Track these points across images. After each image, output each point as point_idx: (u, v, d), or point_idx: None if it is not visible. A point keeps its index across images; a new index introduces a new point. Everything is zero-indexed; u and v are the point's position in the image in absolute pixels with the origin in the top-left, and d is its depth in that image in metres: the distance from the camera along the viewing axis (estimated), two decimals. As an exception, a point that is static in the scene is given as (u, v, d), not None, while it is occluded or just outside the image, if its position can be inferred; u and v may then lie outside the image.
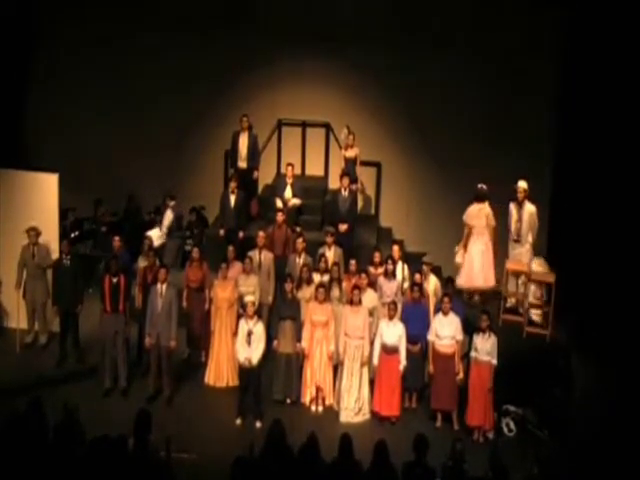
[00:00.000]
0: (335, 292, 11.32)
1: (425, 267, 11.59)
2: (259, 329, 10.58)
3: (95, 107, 15.44)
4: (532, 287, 11.67)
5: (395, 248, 12.01)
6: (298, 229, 13.12)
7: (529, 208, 11.81)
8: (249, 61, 15.01)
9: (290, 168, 13.58)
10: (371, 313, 11.09)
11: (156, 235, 13.08)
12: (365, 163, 14.02)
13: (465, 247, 11.97)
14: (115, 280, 11.01)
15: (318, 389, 10.99)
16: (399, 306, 10.96)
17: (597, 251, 13.03)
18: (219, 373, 11.40)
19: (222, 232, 13.07)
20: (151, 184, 15.16)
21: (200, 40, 14.99)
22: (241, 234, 12.94)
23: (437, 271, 12.41)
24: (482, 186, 11.99)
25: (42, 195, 12.29)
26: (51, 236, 12.21)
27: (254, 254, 11.95)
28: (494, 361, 10.38)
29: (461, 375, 10.66)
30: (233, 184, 13.05)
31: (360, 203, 13.88)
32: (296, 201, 13.53)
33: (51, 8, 15.44)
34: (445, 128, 14.85)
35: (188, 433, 9.98)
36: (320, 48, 14.81)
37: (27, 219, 12.05)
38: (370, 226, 14.21)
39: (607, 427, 10.57)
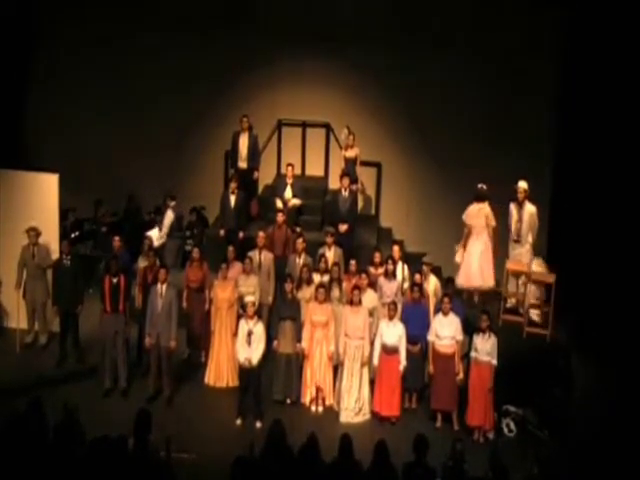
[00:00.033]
0: (335, 292, 11.32)
1: (425, 267, 11.59)
2: (259, 329, 10.58)
3: (95, 107, 15.45)
4: (531, 287, 11.68)
5: (395, 248, 12.01)
6: (298, 229, 13.12)
7: (529, 208, 11.81)
8: (249, 61, 15.01)
9: (290, 168, 13.58)
10: (371, 313, 11.09)
11: (156, 235, 13.08)
12: (365, 163, 14.02)
13: (465, 247, 11.98)
14: (115, 280, 11.01)
15: (318, 389, 10.99)
16: (399, 306, 10.96)
17: (597, 251, 13.03)
18: (219, 373, 11.40)
19: (222, 232, 13.07)
20: (151, 184, 15.16)
21: (200, 40, 15.00)
22: (241, 234, 12.94)
23: (437, 271, 12.41)
24: (482, 186, 11.99)
25: (42, 195, 12.29)
26: (51, 236, 12.21)
27: (254, 254, 11.95)
28: (494, 361, 10.38)
29: (461, 375, 10.65)
30: (233, 184, 13.05)
31: (360, 203, 13.88)
32: (296, 201, 13.53)
33: (51, 8, 15.45)
34: (445, 128, 14.86)
35: (188, 433, 9.98)
36: (320, 48, 14.82)
37: (27, 219, 12.05)
38: (370, 226, 14.21)
39: (607, 427, 10.57)
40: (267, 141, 14.51)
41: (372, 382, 10.89)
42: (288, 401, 11.06)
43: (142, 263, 11.72)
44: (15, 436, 7.64)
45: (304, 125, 14.68)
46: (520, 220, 11.81)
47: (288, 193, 13.51)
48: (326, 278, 11.46)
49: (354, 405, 10.78)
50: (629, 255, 12.80)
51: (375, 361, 10.76)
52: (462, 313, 10.93)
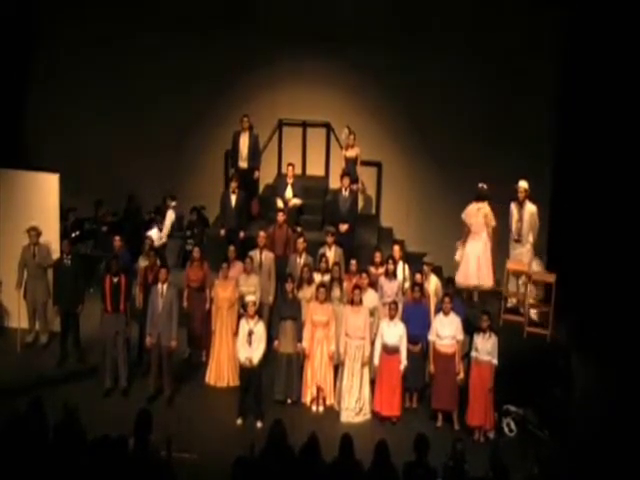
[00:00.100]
0: (336, 292, 11.32)
1: (426, 267, 11.58)
2: (260, 329, 10.58)
3: (95, 107, 15.45)
4: (530, 287, 11.69)
5: (396, 248, 12.01)
6: (299, 229, 13.13)
7: (530, 208, 11.82)
8: (249, 61, 15.01)
9: (291, 168, 13.58)
10: (372, 313, 11.09)
11: (157, 235, 13.07)
12: (365, 163, 14.03)
13: (464, 245, 12.01)
14: (116, 280, 11.01)
15: (319, 389, 10.99)
16: (400, 306, 10.96)
17: (597, 251, 13.02)
18: (220, 373, 11.40)
19: (223, 232, 13.07)
20: (151, 184, 15.16)
21: (200, 40, 15.00)
22: (242, 234, 12.95)
23: (438, 271, 12.41)
24: (483, 186, 12.01)
25: (42, 195, 12.29)
26: (52, 236, 12.21)
27: (255, 254, 11.95)
28: (494, 361, 10.38)
29: (462, 375, 10.66)
30: (234, 184, 13.05)
31: (361, 203, 13.91)
32: (297, 201, 13.53)
33: (51, 8, 15.45)
34: (445, 128, 14.85)
35: (189, 433, 9.98)
36: (320, 48, 14.82)
37: (27, 219, 12.05)
38: (371, 226, 14.21)
39: (607, 427, 10.56)
40: (268, 141, 14.51)
41: (373, 382, 10.89)
42: (289, 401, 11.06)
43: (143, 263, 11.73)
44: (15, 436, 7.64)
45: (304, 125, 14.69)
46: (521, 220, 11.82)
47: (289, 193, 13.52)
48: (327, 278, 11.46)
49: (355, 405, 10.78)
50: (629, 255, 12.80)
51: (376, 361, 10.76)
52: (463, 313, 10.93)
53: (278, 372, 11.04)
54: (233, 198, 12.99)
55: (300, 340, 10.96)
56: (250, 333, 10.50)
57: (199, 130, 15.42)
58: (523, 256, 11.87)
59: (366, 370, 10.83)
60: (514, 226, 11.90)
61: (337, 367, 11.07)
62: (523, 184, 11.85)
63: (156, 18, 15.16)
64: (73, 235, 14.03)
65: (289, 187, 13.54)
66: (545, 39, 14.32)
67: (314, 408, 11.00)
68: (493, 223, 11.96)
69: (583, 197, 13.51)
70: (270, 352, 10.99)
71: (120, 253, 11.80)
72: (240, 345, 10.56)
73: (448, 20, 14.60)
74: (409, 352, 10.75)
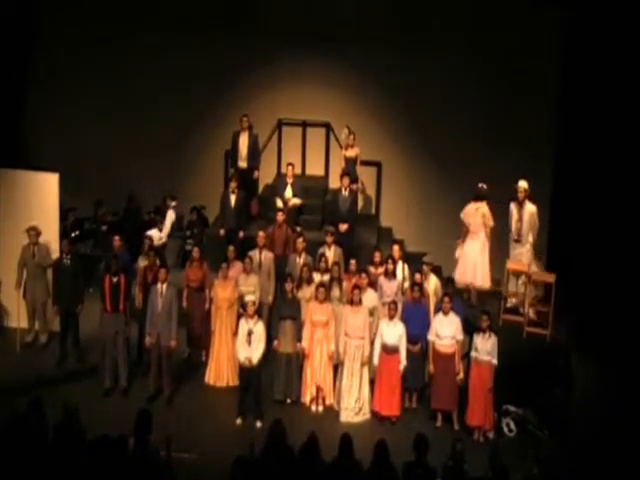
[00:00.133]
0: (335, 292, 11.32)
1: (425, 267, 11.59)
2: (259, 329, 10.58)
3: (95, 107, 15.45)
4: (530, 287, 11.70)
5: (395, 248, 12.01)
6: (298, 229, 13.13)
7: (530, 208, 11.82)
8: (249, 61, 15.01)
9: (290, 168, 13.58)
10: (371, 313, 11.09)
11: (157, 235, 13.07)
12: (365, 163, 14.03)
13: (463, 244, 12.04)
14: (115, 280, 11.01)
15: (318, 389, 10.99)
16: (399, 306, 10.96)
17: (597, 251, 13.02)
18: (219, 373, 11.40)
19: (222, 232, 13.07)
20: (151, 184, 15.16)
21: (200, 40, 14.99)
22: (241, 234, 12.95)
23: (437, 271, 12.42)
24: (482, 185, 12.02)
25: (42, 195, 12.30)
26: (51, 236, 12.22)
27: (254, 254, 11.95)
28: (494, 361, 10.38)
29: (461, 375, 10.66)
30: (233, 184, 13.05)
31: (360, 203, 13.90)
32: (296, 201, 13.53)
33: (51, 8, 15.45)
34: (445, 128, 14.85)
35: (188, 433, 9.97)
36: (320, 48, 14.81)
37: (27, 219, 12.06)
38: (370, 226, 14.21)
39: (607, 427, 10.56)
40: (267, 140, 14.51)
41: (372, 382, 10.89)
42: (288, 401, 11.06)
43: (142, 263, 11.73)
44: (15, 436, 7.64)
45: (304, 125, 14.68)
46: (520, 220, 11.83)
47: (288, 192, 13.52)
48: (326, 277, 11.46)
49: (354, 405, 10.78)
50: (629, 255, 12.80)
51: (375, 361, 10.76)
52: (462, 313, 10.93)
53: (278, 372, 11.04)
54: (233, 198, 12.99)
55: (300, 340, 10.96)
56: (249, 333, 10.50)
57: (199, 130, 15.42)
58: (523, 256, 11.87)
59: (365, 370, 10.83)
60: (514, 226, 11.90)
61: (336, 367, 11.07)
62: (523, 184, 11.85)
63: (156, 18, 15.16)
64: (73, 235, 14.03)
65: (289, 187, 13.54)
66: (545, 39, 14.32)
67: (313, 408, 11.01)
68: (491, 223, 11.96)
69: (583, 197, 13.51)
70: (270, 352, 10.99)
71: (120, 253, 11.80)
72: (240, 345, 10.56)
73: (448, 20, 14.60)
74: (409, 352, 10.75)
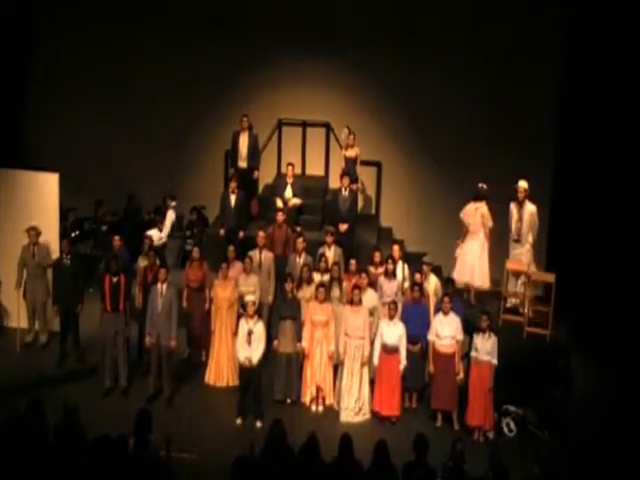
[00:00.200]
0: (335, 292, 11.32)
1: (425, 267, 11.59)
2: (259, 329, 10.58)
3: (95, 107, 15.45)
4: (530, 287, 11.71)
5: (395, 248, 12.01)
6: (298, 229, 13.13)
7: (529, 208, 11.82)
8: (249, 61, 15.00)
9: (290, 168, 13.58)
10: (371, 313, 11.09)
11: (157, 235, 13.07)
12: (365, 163, 14.03)
13: (462, 244, 12.06)
14: (115, 280, 11.01)
15: (318, 389, 10.99)
16: (399, 306, 10.96)
17: (597, 251, 13.03)
18: (219, 373, 11.40)
19: (222, 232, 13.07)
20: (151, 184, 15.16)
21: (200, 40, 14.98)
22: (241, 234, 12.95)
23: (437, 271, 12.42)
24: (482, 185, 12.03)
25: (42, 195, 12.30)
26: (51, 236, 12.22)
27: (254, 254, 11.95)
28: (494, 361, 10.38)
29: (461, 375, 10.65)
30: (233, 184, 13.05)
31: (360, 203, 13.90)
32: (296, 201, 13.53)
33: (51, 8, 15.44)
34: (445, 128, 14.85)
35: (188, 433, 9.97)
36: (320, 48, 14.81)
37: (27, 219, 12.06)
38: (370, 226, 14.21)
39: (607, 427, 10.57)
40: (267, 140, 14.51)
41: (372, 382, 10.89)
42: (288, 401, 11.06)
43: (142, 263, 11.73)
44: (15, 436, 7.64)
45: (304, 125, 14.69)
46: (520, 220, 11.84)
47: (288, 192, 13.52)
48: (326, 277, 11.46)
49: (354, 405, 10.78)
50: (629, 255, 12.80)
51: (375, 361, 10.76)
52: (462, 313, 10.93)
53: (277, 372, 11.04)
54: (233, 198, 12.99)
55: (299, 340, 10.96)
56: (249, 333, 10.50)
57: (199, 130, 15.41)
58: (522, 256, 11.88)
59: (365, 370, 10.82)
60: (513, 226, 11.91)
61: (336, 367, 11.07)
62: (523, 184, 11.85)
63: (156, 18, 15.15)
64: (73, 235, 14.03)
65: (289, 187, 13.54)
66: (545, 39, 14.32)
67: (313, 408, 11.01)
68: (490, 223, 11.97)
69: (583, 197, 13.52)
70: (269, 352, 10.99)
71: (120, 253, 11.80)
72: (240, 345, 10.56)
73: (448, 20, 14.59)
74: (409, 352, 10.75)
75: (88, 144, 15.41)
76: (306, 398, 11.06)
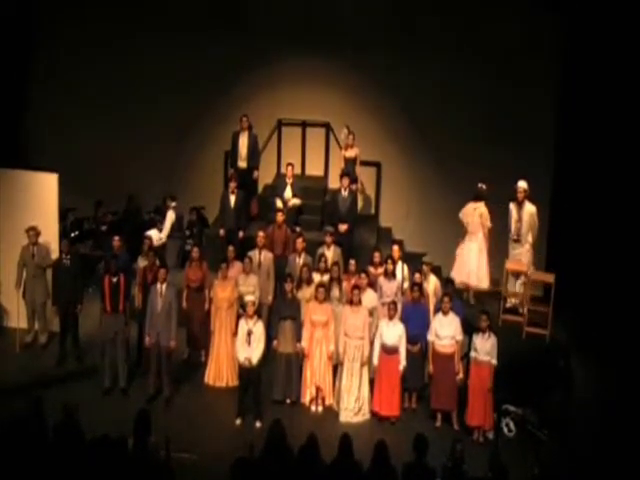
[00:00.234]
0: (335, 292, 11.32)
1: (425, 267, 11.58)
2: (259, 329, 10.58)
3: (95, 107, 15.43)
4: (529, 287, 11.73)
5: (395, 248, 12.01)
6: (298, 229, 13.13)
7: (529, 208, 11.84)
8: (249, 61, 15.00)
9: (290, 168, 13.59)
10: (371, 313, 11.09)
11: (156, 235, 13.07)
12: (365, 163, 14.03)
13: (462, 243, 12.07)
14: (115, 280, 11.01)
15: (318, 389, 10.99)
16: (399, 306, 10.96)
17: (597, 251, 13.03)
18: (219, 373, 11.40)
19: (222, 232, 13.07)
20: (151, 184, 15.14)
21: (200, 40, 14.98)
22: (241, 234, 12.95)
23: (437, 271, 12.42)
24: (482, 185, 12.04)
25: (42, 195, 12.29)
26: (51, 236, 12.22)
27: (254, 254, 11.95)
28: (494, 361, 10.38)
29: (461, 375, 10.66)
30: (233, 184, 13.05)
31: (360, 203, 13.88)
32: (296, 201, 13.53)
33: (51, 8, 15.44)
34: (445, 128, 14.83)
35: (188, 433, 9.98)
36: (320, 48, 14.79)
37: (27, 219, 12.06)
38: (370, 226, 14.21)
39: (607, 427, 10.57)
40: (267, 141, 14.51)
41: (372, 382, 10.89)
42: (288, 401, 11.06)
43: (142, 263, 11.73)
44: (15, 436, 7.64)
45: (304, 125, 14.68)
46: (520, 220, 11.85)
47: (288, 193, 13.52)
48: (326, 278, 11.46)
49: (354, 405, 10.78)
50: (629, 255, 12.81)
51: (375, 361, 10.76)
52: (462, 313, 10.93)
53: (277, 372, 11.04)
54: (232, 198, 13.00)
55: (299, 340, 10.96)
56: (249, 333, 10.49)
57: (199, 130, 15.41)
58: (522, 256, 11.89)
59: (365, 370, 10.82)
60: (513, 226, 11.92)
61: (336, 367, 11.07)
62: (522, 184, 11.86)
63: (156, 18, 15.15)
64: (72, 235, 14.05)
65: (288, 187, 13.55)
66: (545, 39, 14.30)
67: (313, 408, 11.00)
68: (488, 224, 11.99)
69: (583, 197, 13.52)
70: (269, 352, 10.99)
71: (119, 253, 11.80)
72: (239, 345, 10.56)
73: (448, 20, 14.58)
74: (408, 352, 10.75)
75: (88, 144, 15.40)
76: (306, 398, 11.06)
